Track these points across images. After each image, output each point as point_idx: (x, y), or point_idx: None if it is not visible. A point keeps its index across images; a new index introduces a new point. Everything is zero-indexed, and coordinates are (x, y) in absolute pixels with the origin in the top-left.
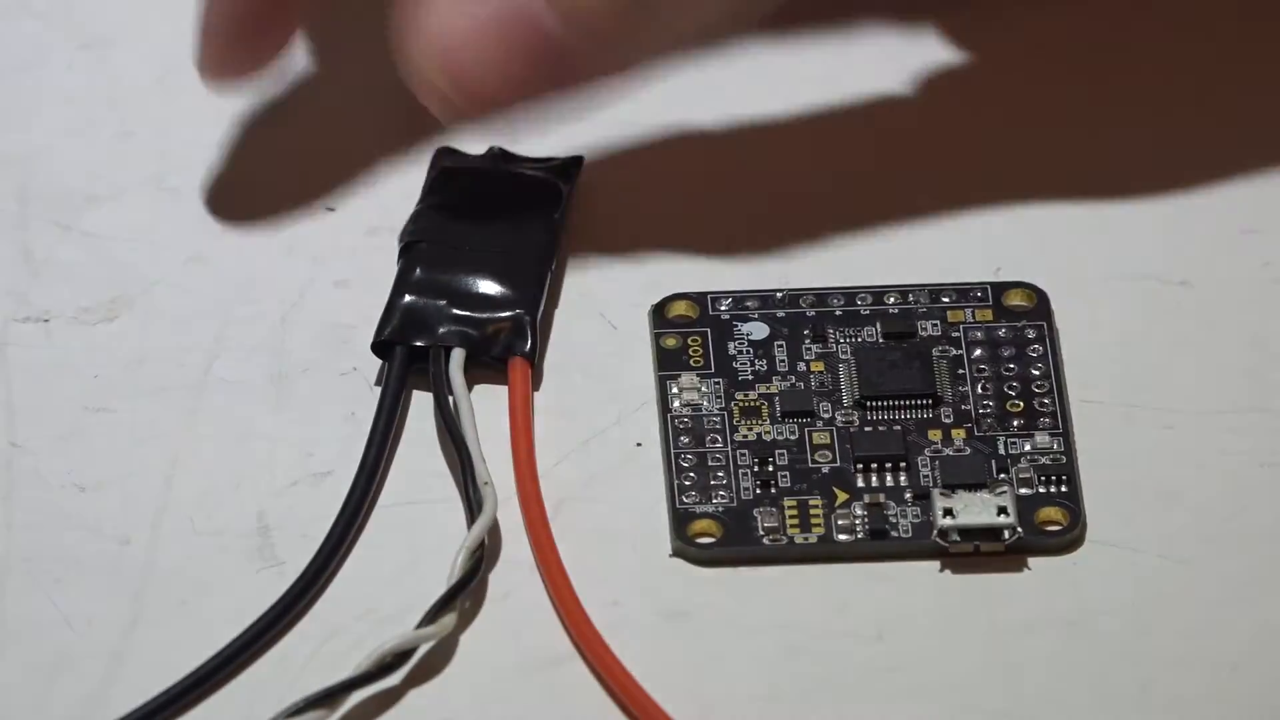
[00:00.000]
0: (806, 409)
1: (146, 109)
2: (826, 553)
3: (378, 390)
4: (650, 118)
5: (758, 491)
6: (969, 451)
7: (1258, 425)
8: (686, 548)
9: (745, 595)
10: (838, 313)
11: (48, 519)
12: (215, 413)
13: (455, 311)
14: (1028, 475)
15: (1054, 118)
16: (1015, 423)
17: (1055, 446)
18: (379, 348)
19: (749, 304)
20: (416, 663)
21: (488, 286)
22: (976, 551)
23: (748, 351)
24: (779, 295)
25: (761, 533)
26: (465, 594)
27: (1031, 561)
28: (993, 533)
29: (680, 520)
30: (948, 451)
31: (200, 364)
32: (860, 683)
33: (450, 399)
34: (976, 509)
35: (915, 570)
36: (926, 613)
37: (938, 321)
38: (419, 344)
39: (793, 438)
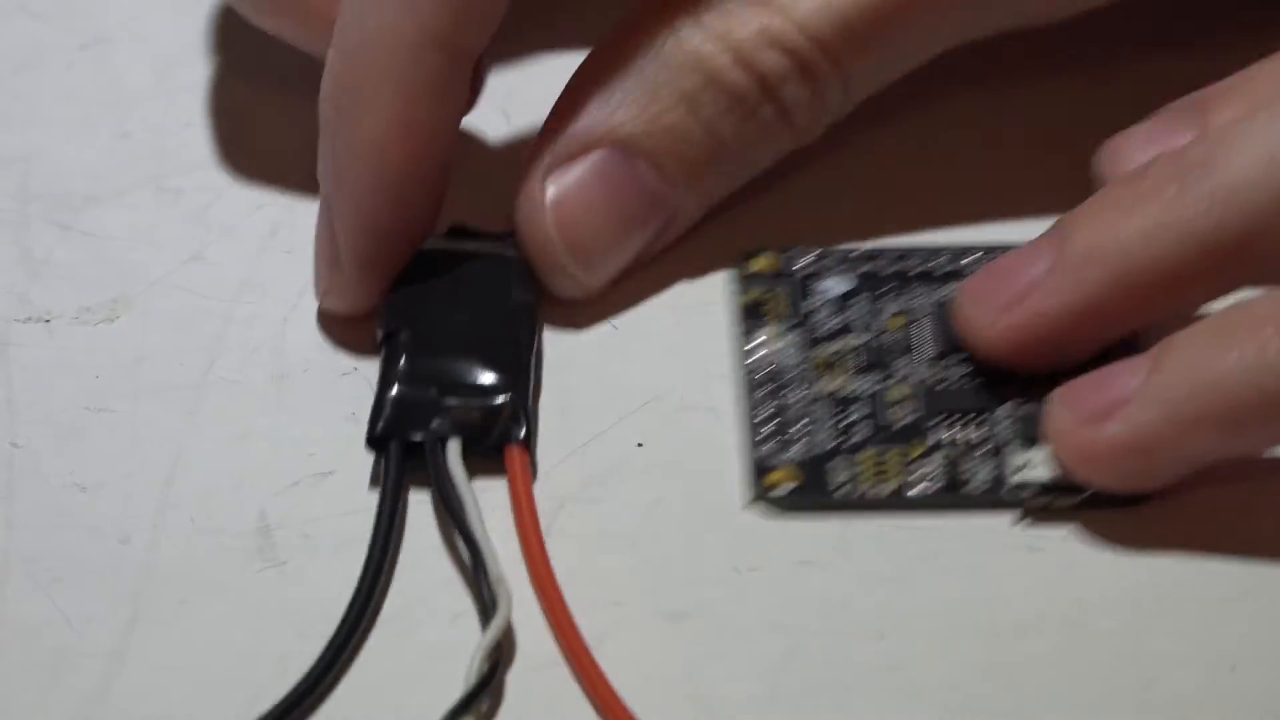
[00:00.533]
0: (885, 363)
1: (146, 109)
2: (900, 504)
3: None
4: None
5: (834, 443)
6: (1046, 406)
7: None
8: (762, 498)
9: (741, 595)
10: (918, 270)
11: (48, 518)
12: (216, 412)
13: (447, 401)
14: None
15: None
16: None
17: None
18: (374, 443)
19: (831, 259)
20: None
21: (476, 373)
22: (1050, 506)
23: (828, 306)
24: (860, 252)
25: (836, 484)
26: (483, 697)
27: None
28: (1067, 488)
29: (757, 471)
30: (1025, 407)
31: (201, 364)
32: (860, 682)
33: (453, 491)
34: (1051, 463)
35: (916, 571)
36: (927, 613)
37: None
38: (415, 438)
39: (871, 391)
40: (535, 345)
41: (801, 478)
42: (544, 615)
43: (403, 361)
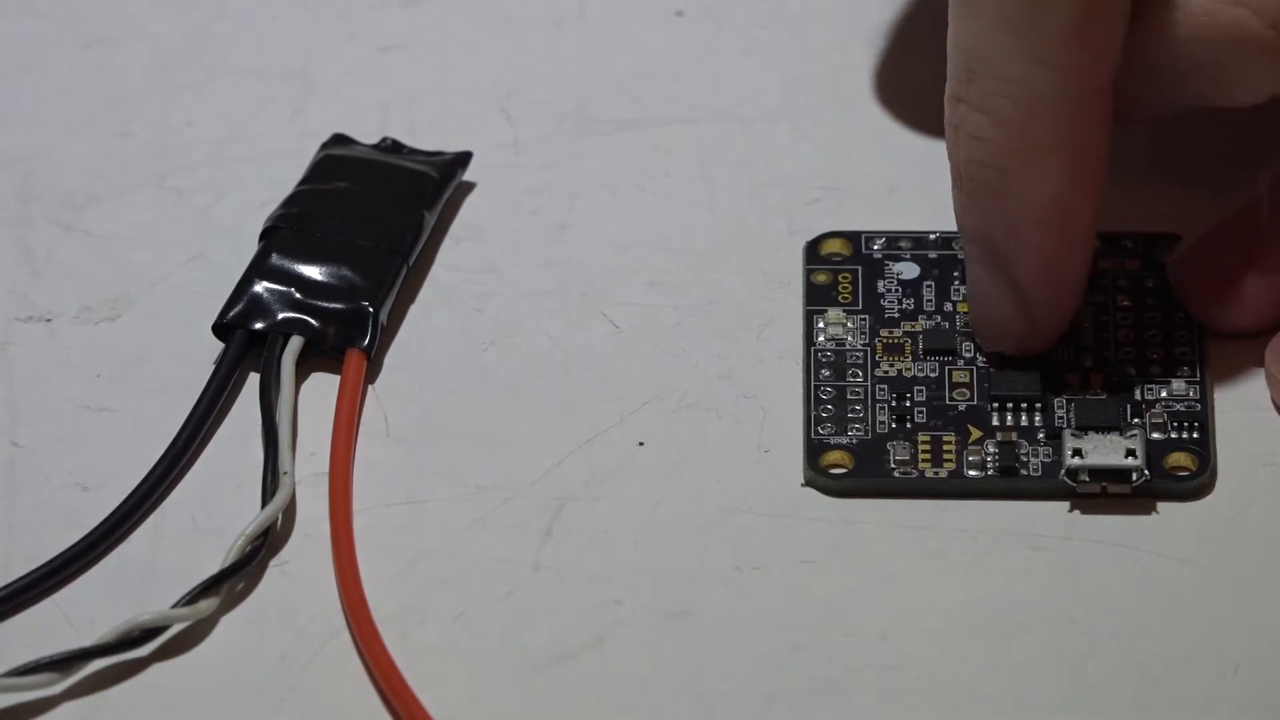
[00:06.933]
0: (949, 347)
1: (146, 109)
2: (957, 488)
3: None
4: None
5: (893, 425)
6: (1105, 395)
7: (1256, 424)
8: (818, 477)
9: (743, 594)
10: None
11: (49, 518)
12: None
13: (300, 299)
14: (1160, 421)
15: None
16: (1153, 369)
17: (1191, 394)
18: (219, 330)
19: (902, 244)
20: (168, 640)
21: (336, 277)
22: (1104, 493)
23: (897, 290)
24: (933, 237)
25: (893, 465)
26: (239, 578)
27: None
28: (1120, 474)
29: (814, 451)
30: (1084, 395)
31: (202, 363)
32: (861, 682)
33: (276, 385)
34: (1105, 450)
35: (917, 571)
36: (927, 612)
37: None
38: (257, 328)
39: (933, 375)
40: (411, 259)
41: (854, 462)
42: (330, 507)
43: (272, 258)
